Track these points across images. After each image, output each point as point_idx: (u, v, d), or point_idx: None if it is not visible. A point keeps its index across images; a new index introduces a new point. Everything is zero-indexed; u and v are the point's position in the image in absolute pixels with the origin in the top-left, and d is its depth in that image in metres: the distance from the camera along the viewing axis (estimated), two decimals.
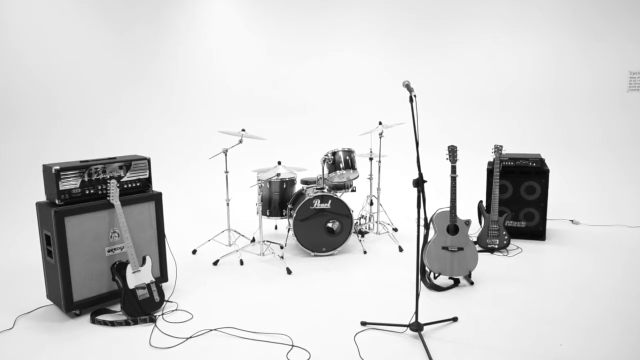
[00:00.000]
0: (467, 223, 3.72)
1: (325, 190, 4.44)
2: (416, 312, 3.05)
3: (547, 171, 4.69)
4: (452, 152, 3.73)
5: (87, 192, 3.30)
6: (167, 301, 3.55)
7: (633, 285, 3.78)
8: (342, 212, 4.40)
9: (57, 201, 3.20)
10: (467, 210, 5.52)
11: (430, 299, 3.57)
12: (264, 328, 3.18)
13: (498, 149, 4.49)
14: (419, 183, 2.90)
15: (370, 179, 5.10)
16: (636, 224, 5.28)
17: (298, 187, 4.88)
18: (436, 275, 3.79)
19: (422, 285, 3.73)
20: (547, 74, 7.52)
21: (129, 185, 3.51)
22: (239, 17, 7.88)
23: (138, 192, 3.56)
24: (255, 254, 4.49)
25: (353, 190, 4.87)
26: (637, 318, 3.27)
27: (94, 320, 3.25)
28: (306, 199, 4.32)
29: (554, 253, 4.49)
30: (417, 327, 3.04)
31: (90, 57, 7.01)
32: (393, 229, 5.21)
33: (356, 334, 3.10)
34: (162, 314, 3.36)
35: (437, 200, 6.04)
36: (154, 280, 3.41)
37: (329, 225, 4.41)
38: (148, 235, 3.60)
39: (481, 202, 4.66)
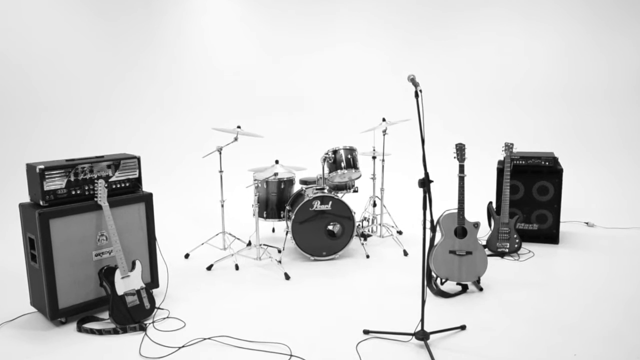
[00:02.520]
0: (476, 225, 3.72)
1: (325, 190, 4.44)
2: (422, 320, 3.05)
3: (561, 171, 4.69)
4: (460, 150, 3.73)
5: (73, 192, 3.29)
6: (158, 308, 3.55)
7: None
8: (344, 214, 4.40)
9: (41, 202, 3.19)
10: (476, 212, 5.52)
11: (437, 306, 3.57)
12: (260, 337, 3.18)
13: (509, 147, 4.49)
14: (425, 183, 2.90)
15: (373, 179, 5.11)
16: None
17: (297, 187, 4.88)
18: (443, 280, 3.79)
19: (428, 291, 3.74)
20: (561, 67, 7.52)
21: (118, 186, 3.50)
22: (235, 7, 7.89)
23: (127, 193, 3.56)
24: (252, 259, 4.49)
25: (355, 191, 4.87)
26: None
27: (80, 329, 3.25)
28: (305, 200, 4.32)
29: (568, 257, 4.49)
30: (423, 335, 3.04)
31: (76, 49, 7.01)
32: (397, 232, 5.21)
33: (358, 343, 3.10)
34: (153, 322, 3.36)
35: (444, 202, 6.04)
36: (144, 286, 3.41)
37: (330, 227, 4.41)
38: (138, 238, 3.60)
39: (491, 203, 4.66)
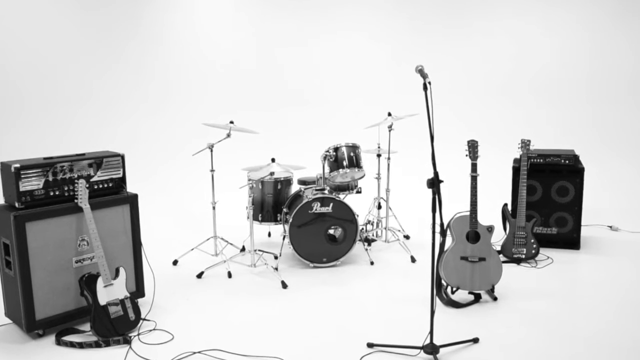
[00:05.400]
0: (490, 229, 3.72)
1: (326, 191, 4.44)
2: (431, 332, 3.05)
3: (582, 170, 4.69)
4: (473, 147, 3.73)
5: (51, 193, 3.29)
6: (144, 319, 3.55)
7: None
8: (346, 216, 4.40)
9: (17, 204, 3.19)
10: (489, 215, 5.52)
11: (448, 317, 3.57)
12: (255, 351, 3.18)
13: (525, 144, 4.49)
14: (435, 183, 2.90)
15: (378, 178, 5.11)
16: None
17: (295, 188, 4.88)
18: (454, 289, 3.79)
19: (437, 301, 3.73)
20: (582, 57, 7.52)
21: (100, 186, 3.50)
22: None
23: (110, 194, 3.56)
24: (246, 265, 4.49)
25: (358, 192, 4.87)
26: None
27: (59, 342, 3.25)
28: (304, 201, 4.32)
29: (590, 264, 4.49)
30: (432, 349, 3.04)
31: (56, 39, 7.01)
32: (404, 237, 5.21)
33: (362, 358, 3.10)
34: (138, 334, 3.36)
35: (455, 203, 6.04)
36: (128, 295, 3.41)
37: (331, 232, 4.41)
38: (122, 243, 3.60)
39: (506, 205, 4.67)
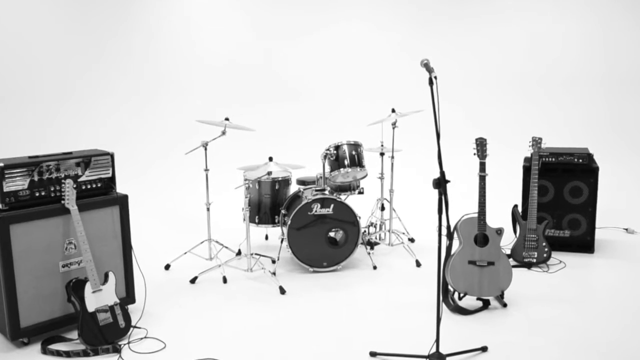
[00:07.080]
0: (499, 232, 3.72)
1: (326, 192, 4.44)
2: (437, 340, 3.05)
3: (596, 169, 4.69)
4: (481, 145, 3.73)
5: (37, 194, 3.29)
6: (134, 327, 3.55)
7: None
8: (347, 218, 4.40)
9: (0, 205, 3.19)
10: (498, 217, 5.52)
11: (455, 324, 3.57)
12: None
13: (537, 142, 4.49)
14: (441, 184, 2.90)
15: (381, 178, 5.10)
16: None
17: (293, 188, 4.88)
18: (461, 295, 3.79)
19: (444, 307, 3.73)
20: (597, 51, 7.52)
21: (88, 186, 3.50)
22: None
23: (99, 195, 3.56)
24: (242, 270, 4.49)
25: (360, 192, 4.87)
26: None
27: (45, 351, 3.25)
28: (303, 202, 4.32)
29: (605, 268, 4.49)
30: (438, 358, 3.04)
31: (40, 30, 7.01)
32: (409, 240, 5.20)
33: None
34: (128, 343, 3.36)
35: (462, 205, 6.04)
36: (118, 301, 3.41)
37: (331, 234, 4.41)
38: (111, 246, 3.60)
39: (516, 206, 4.66)
